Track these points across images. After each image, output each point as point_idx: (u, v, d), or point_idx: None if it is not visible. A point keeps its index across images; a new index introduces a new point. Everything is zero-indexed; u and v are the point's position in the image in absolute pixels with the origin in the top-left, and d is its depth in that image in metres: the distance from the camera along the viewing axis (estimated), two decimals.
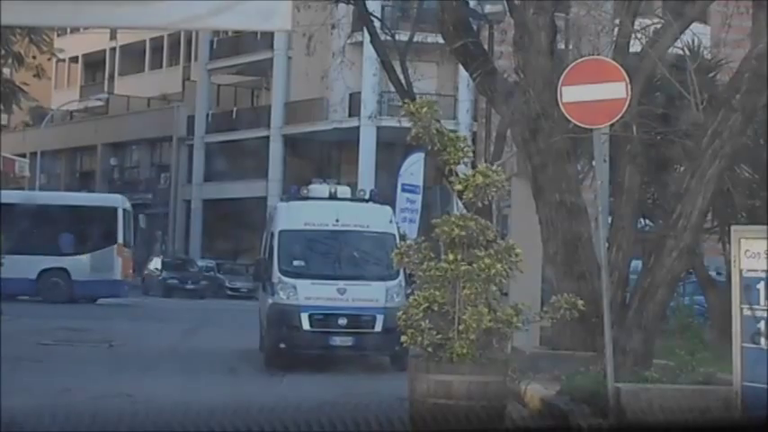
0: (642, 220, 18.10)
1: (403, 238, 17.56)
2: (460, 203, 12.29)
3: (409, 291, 16.66)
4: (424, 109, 12.05)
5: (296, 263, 19.43)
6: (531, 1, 15.92)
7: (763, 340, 10.82)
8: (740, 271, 11.03)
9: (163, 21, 11.07)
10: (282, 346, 18.74)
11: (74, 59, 68.09)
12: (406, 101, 12.98)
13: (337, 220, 19.51)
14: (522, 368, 13.05)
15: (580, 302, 12.12)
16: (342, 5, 26.04)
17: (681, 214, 13.86)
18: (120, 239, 35.15)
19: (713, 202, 15.06)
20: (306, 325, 18.65)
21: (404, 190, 30.22)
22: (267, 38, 48.44)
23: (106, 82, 68.07)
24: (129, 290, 36.75)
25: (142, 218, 39.71)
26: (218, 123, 54.83)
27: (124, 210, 35.72)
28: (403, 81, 23.24)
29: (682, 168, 15.88)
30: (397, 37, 26.10)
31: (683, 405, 11.56)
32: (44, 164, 57.72)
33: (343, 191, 20.68)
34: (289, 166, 49.71)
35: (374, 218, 19.81)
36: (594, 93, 12.28)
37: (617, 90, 12.25)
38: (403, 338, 11.82)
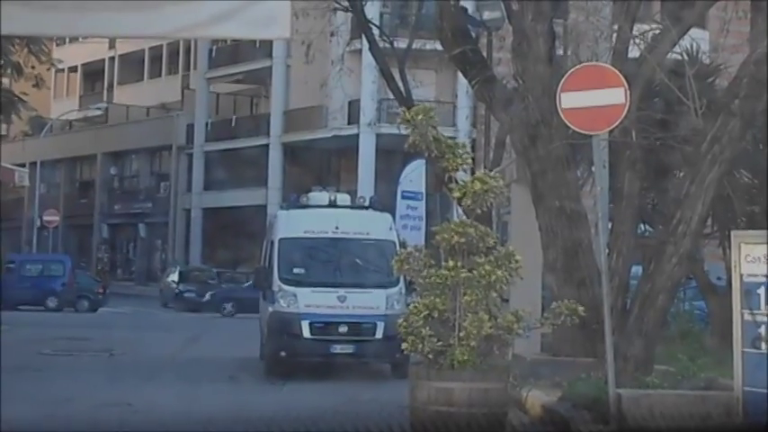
0: (642, 225, 18.06)
1: (403, 245, 17.53)
2: (460, 210, 12.25)
3: (410, 299, 16.64)
4: (420, 116, 12.00)
5: (296, 271, 19.40)
6: (529, 7, 15.93)
7: (763, 345, 10.84)
8: (740, 276, 11.04)
9: (162, 30, 11.07)
10: (283, 354, 18.73)
11: (73, 69, 68.23)
12: (403, 108, 12.96)
13: (337, 228, 19.50)
14: (522, 375, 13.06)
15: (581, 309, 12.09)
16: (340, 13, 26.07)
17: (681, 220, 13.82)
18: None
19: (713, 207, 15.03)
20: (306, 333, 18.64)
21: (404, 197, 30.23)
22: (266, 46, 48.34)
23: (105, 91, 68.23)
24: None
25: (142, 227, 39.56)
26: (218, 132, 54.81)
27: None
28: (402, 88, 23.21)
29: (681, 174, 15.84)
30: (395, 44, 26.07)
31: (684, 411, 11.56)
32: (44, 173, 57.81)
33: (343, 198, 20.69)
34: (288, 174, 49.64)
35: (374, 225, 19.80)
36: (593, 99, 12.27)
37: (616, 96, 12.24)
38: (403, 346, 11.78)
